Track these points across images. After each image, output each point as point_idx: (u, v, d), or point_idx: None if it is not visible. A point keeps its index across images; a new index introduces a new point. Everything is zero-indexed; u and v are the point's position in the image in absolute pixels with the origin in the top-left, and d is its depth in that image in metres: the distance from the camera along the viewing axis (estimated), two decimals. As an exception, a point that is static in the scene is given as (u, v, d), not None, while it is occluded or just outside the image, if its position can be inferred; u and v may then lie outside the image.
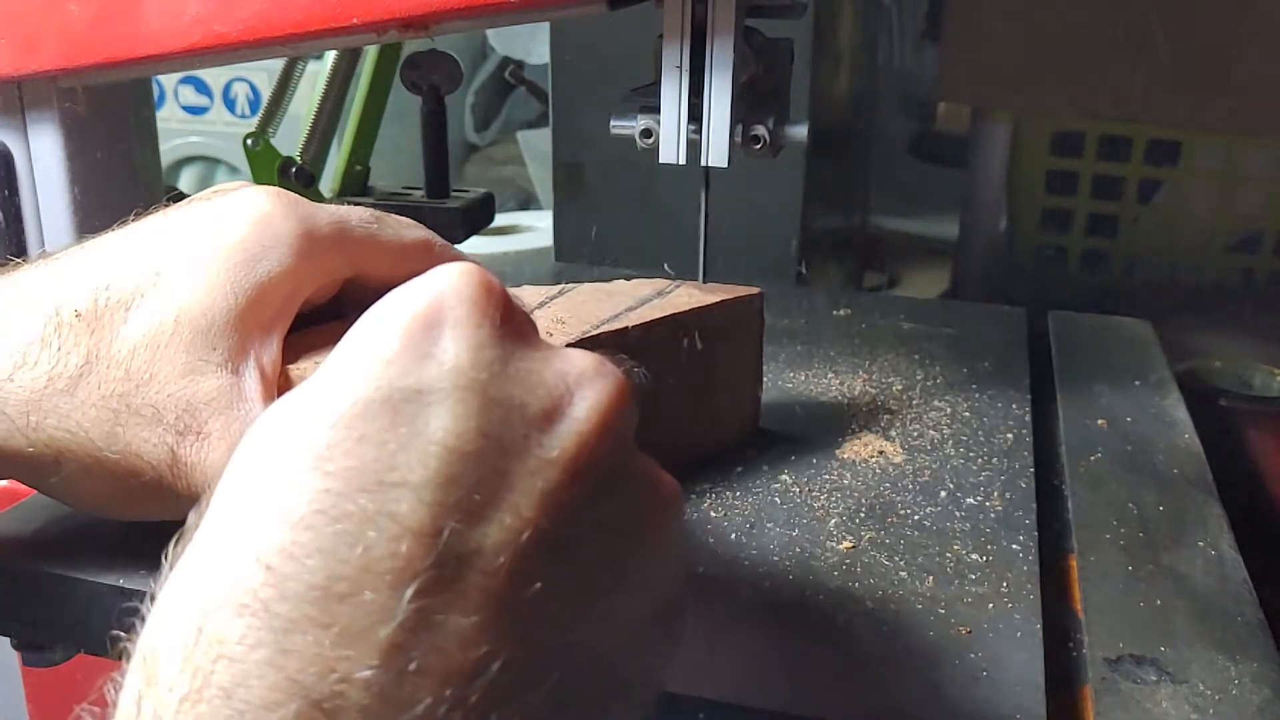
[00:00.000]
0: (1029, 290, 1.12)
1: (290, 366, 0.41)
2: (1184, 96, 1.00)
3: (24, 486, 0.49)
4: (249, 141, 0.91)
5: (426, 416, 0.26)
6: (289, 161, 0.89)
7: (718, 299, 0.52)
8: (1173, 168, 1.07)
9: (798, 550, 0.46)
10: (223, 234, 0.40)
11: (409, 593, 0.24)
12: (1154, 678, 0.39)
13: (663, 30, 0.50)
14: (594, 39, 0.97)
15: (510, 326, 0.28)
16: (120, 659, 0.25)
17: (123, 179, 0.64)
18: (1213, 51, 0.98)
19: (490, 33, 1.71)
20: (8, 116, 0.60)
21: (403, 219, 0.45)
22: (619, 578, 0.28)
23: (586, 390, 0.28)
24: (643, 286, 0.54)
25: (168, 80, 1.76)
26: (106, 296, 0.39)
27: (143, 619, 0.25)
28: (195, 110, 1.79)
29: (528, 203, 1.66)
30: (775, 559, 0.45)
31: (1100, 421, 0.59)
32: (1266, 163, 1.04)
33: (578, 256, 1.01)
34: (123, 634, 0.26)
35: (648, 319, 0.49)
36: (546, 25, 1.17)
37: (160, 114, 1.33)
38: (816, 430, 0.57)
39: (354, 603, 0.24)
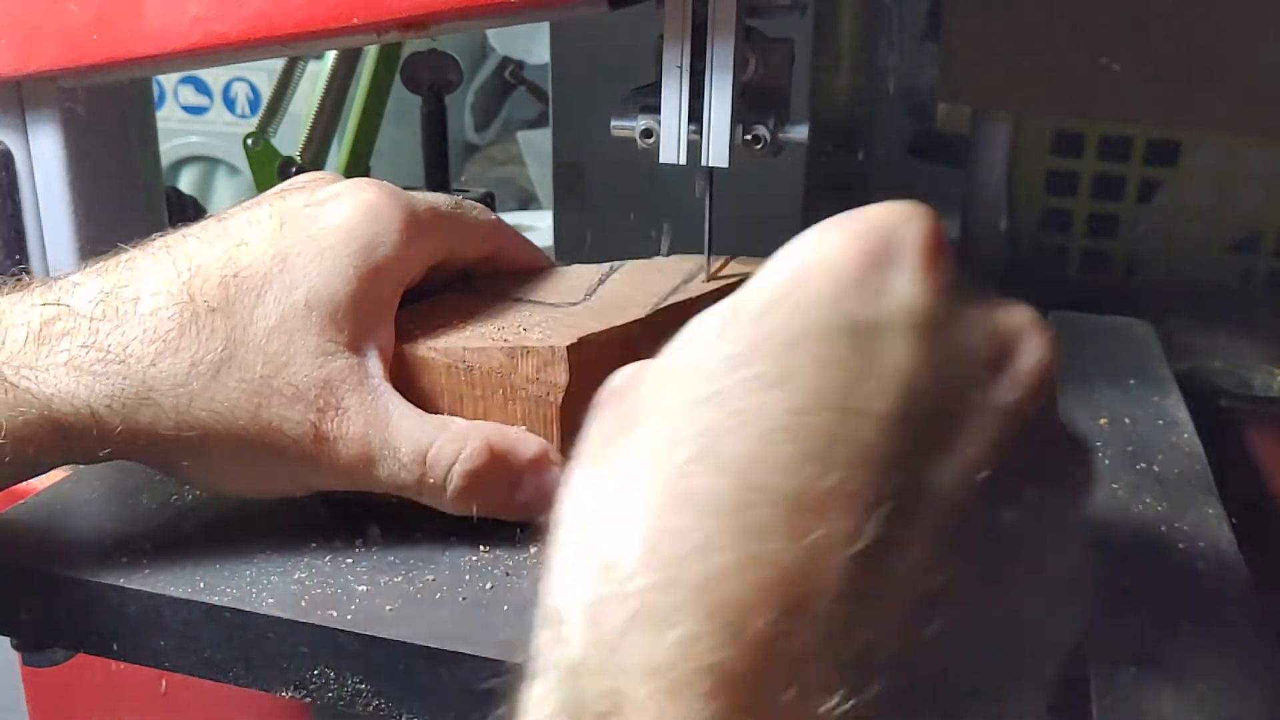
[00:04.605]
0: (1029, 291, 1.12)
1: (403, 345, 0.45)
2: (1184, 96, 1.00)
3: (24, 487, 0.49)
4: (249, 141, 0.91)
5: (885, 350, 0.26)
6: (289, 161, 0.89)
7: (757, 269, 0.54)
8: (1173, 168, 1.07)
9: (798, 550, 0.46)
10: (339, 222, 0.44)
11: (874, 518, 0.24)
12: (1154, 678, 0.39)
13: (663, 30, 0.50)
14: (594, 39, 0.97)
15: (952, 274, 0.28)
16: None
17: (123, 179, 0.64)
18: (1213, 51, 0.98)
19: (490, 33, 1.71)
20: (8, 116, 0.60)
21: (473, 203, 0.50)
22: (1046, 528, 0.28)
23: (1031, 343, 0.28)
24: (685, 261, 0.56)
25: (168, 80, 1.76)
26: (235, 284, 0.42)
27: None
28: (195, 110, 1.79)
29: (528, 203, 1.67)
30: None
31: (1101, 421, 0.59)
32: (1266, 163, 1.04)
33: (578, 256, 1.01)
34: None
35: (710, 289, 0.52)
36: (546, 25, 1.17)
37: (160, 114, 1.33)
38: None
39: (823, 519, 0.24)
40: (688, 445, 0.26)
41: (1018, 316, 0.29)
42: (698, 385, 0.27)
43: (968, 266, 0.28)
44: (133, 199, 0.65)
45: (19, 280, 0.43)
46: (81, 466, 0.51)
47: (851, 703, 0.23)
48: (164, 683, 0.66)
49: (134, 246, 0.44)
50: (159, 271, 0.42)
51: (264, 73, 1.68)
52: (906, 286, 0.27)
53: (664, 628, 0.24)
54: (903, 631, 0.24)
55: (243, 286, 0.42)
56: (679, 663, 0.23)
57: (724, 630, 0.23)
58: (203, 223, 0.45)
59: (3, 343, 0.41)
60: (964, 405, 0.26)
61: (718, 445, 0.25)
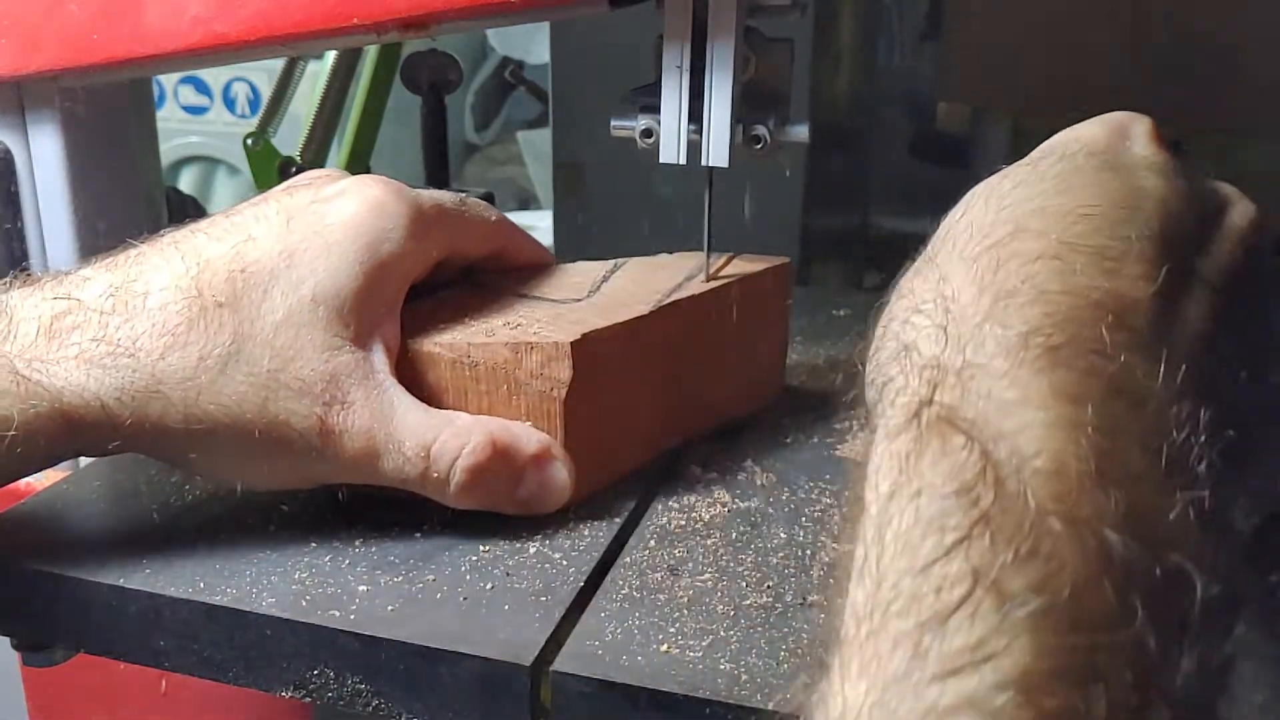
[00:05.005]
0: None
1: (409, 340, 0.46)
2: (1184, 96, 1.00)
3: (24, 487, 0.49)
4: (249, 141, 0.92)
5: (1141, 179, 0.35)
6: (289, 161, 0.90)
7: (760, 267, 0.56)
8: (1173, 168, 1.07)
9: (799, 551, 0.46)
10: (345, 218, 0.44)
11: (1160, 274, 0.32)
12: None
13: (663, 30, 0.50)
14: (594, 39, 0.97)
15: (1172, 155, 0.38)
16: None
17: (123, 179, 0.64)
18: (1213, 51, 0.98)
19: (490, 33, 1.71)
20: (8, 116, 0.60)
21: (477, 200, 0.51)
22: (1262, 349, 0.36)
23: (1242, 203, 0.37)
24: (687, 259, 0.57)
25: (168, 80, 1.76)
26: (243, 279, 0.42)
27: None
28: (195, 110, 1.79)
29: (528, 203, 1.67)
30: (776, 560, 0.45)
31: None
32: (1266, 163, 1.04)
33: (579, 255, 1.01)
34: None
35: (712, 287, 0.53)
36: (546, 25, 1.17)
37: (160, 114, 1.33)
38: (817, 430, 0.57)
39: (1125, 266, 0.32)
40: (1001, 228, 0.33)
41: (1227, 187, 0.38)
42: (996, 202, 0.35)
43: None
44: (133, 199, 0.65)
45: (29, 275, 0.44)
46: (81, 467, 0.51)
47: (1163, 379, 0.29)
48: (164, 683, 0.66)
49: (143, 242, 0.44)
50: (168, 266, 0.43)
51: (264, 73, 1.69)
52: (1144, 149, 0.38)
53: (1009, 325, 0.30)
54: (1193, 353, 0.31)
55: (250, 282, 0.42)
56: (1024, 347, 0.29)
57: (1060, 326, 0.30)
58: (210, 219, 0.45)
59: (14, 336, 0.41)
60: (1201, 228, 0.35)
61: (1028, 223, 0.33)
